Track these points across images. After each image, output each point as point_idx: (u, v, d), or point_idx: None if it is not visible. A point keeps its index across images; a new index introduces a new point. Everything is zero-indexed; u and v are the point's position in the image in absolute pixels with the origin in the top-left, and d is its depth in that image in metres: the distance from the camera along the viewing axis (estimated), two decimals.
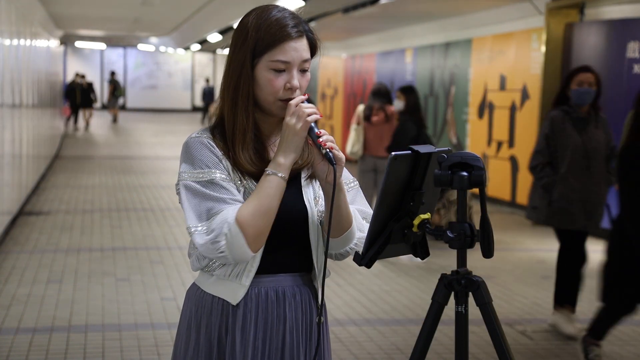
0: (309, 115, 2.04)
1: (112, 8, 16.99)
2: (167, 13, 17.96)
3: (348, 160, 2.14)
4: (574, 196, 5.46)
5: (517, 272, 7.47)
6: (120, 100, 32.89)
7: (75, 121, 25.74)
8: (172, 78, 37.25)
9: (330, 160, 2.04)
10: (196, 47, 30.03)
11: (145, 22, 20.68)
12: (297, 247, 2.15)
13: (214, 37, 21.59)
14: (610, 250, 4.84)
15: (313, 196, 2.17)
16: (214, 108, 2.27)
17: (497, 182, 11.59)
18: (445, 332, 4.81)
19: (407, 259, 7.61)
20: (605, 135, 5.58)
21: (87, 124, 25.89)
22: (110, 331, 5.40)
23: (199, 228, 2.03)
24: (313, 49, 2.14)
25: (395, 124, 8.34)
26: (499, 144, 11.78)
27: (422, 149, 2.03)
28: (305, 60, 2.11)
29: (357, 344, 5.28)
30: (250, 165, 2.09)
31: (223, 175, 2.07)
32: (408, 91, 8.25)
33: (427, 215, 2.05)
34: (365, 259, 2.05)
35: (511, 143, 11.46)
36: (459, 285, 2.05)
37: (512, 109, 11.43)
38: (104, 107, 30.92)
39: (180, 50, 34.97)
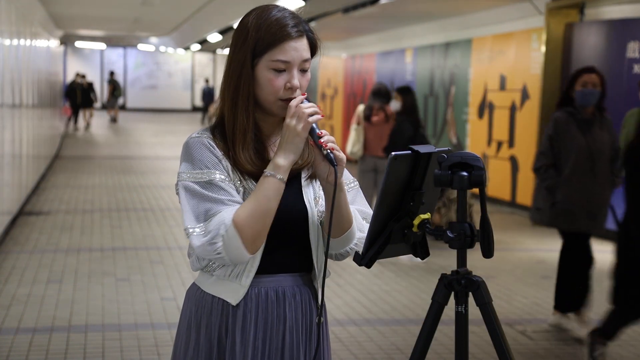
0: (309, 115, 2.04)
1: (112, 8, 16.99)
2: (167, 13, 17.96)
3: (348, 160, 2.13)
4: (577, 198, 5.44)
5: (517, 272, 7.47)
6: (120, 100, 32.89)
7: (75, 121, 25.74)
8: (172, 78, 37.25)
9: (332, 161, 2.04)
10: (196, 47, 30.04)
11: (145, 22, 20.68)
12: (297, 247, 2.15)
13: (214, 37, 21.59)
14: (618, 251, 4.83)
15: (313, 196, 2.17)
16: (213, 108, 2.27)
17: (497, 182, 11.59)
18: (445, 332, 4.81)
19: (407, 259, 7.61)
20: (610, 136, 5.55)
21: (88, 124, 25.89)
22: (110, 331, 5.40)
23: (196, 230, 2.03)
24: (313, 49, 2.14)
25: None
26: (499, 144, 11.78)
27: (422, 149, 2.03)
28: (306, 60, 2.11)
29: (357, 344, 5.28)
30: (250, 165, 2.09)
31: (222, 176, 2.07)
32: (405, 92, 8.25)
33: (427, 215, 2.05)
34: (365, 259, 2.05)
35: (511, 143, 11.46)
36: (459, 285, 2.05)
37: (512, 109, 11.43)
38: (104, 107, 30.92)
39: (180, 50, 34.97)
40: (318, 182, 2.18)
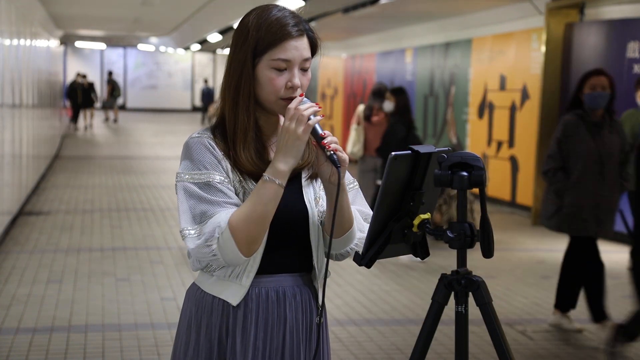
0: (309, 117, 2.03)
1: (112, 8, 16.99)
2: (167, 13, 17.96)
3: (349, 160, 2.13)
4: (585, 202, 5.39)
5: (517, 272, 7.47)
6: (120, 100, 32.88)
7: (76, 121, 25.74)
8: (172, 78, 37.24)
9: (335, 162, 2.03)
10: (196, 47, 30.03)
11: (145, 22, 20.68)
12: (297, 247, 2.15)
13: (214, 37, 21.59)
14: (632, 252, 4.83)
15: (313, 196, 2.17)
16: (213, 108, 2.28)
17: (497, 182, 11.59)
18: (445, 332, 4.81)
19: (407, 259, 7.61)
20: (620, 139, 5.50)
21: (90, 125, 25.88)
22: (110, 331, 5.40)
23: (192, 232, 2.03)
24: (313, 48, 2.14)
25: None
26: (499, 144, 11.78)
27: (422, 149, 2.03)
28: (306, 59, 2.11)
29: (357, 344, 5.28)
30: (250, 165, 2.09)
31: (221, 178, 2.06)
32: (398, 92, 8.25)
33: (427, 215, 2.05)
34: (365, 259, 2.04)
35: (511, 143, 11.46)
36: (459, 285, 2.05)
37: (512, 109, 11.43)
38: (104, 107, 30.92)
39: (180, 50, 34.97)
40: (319, 182, 2.18)
